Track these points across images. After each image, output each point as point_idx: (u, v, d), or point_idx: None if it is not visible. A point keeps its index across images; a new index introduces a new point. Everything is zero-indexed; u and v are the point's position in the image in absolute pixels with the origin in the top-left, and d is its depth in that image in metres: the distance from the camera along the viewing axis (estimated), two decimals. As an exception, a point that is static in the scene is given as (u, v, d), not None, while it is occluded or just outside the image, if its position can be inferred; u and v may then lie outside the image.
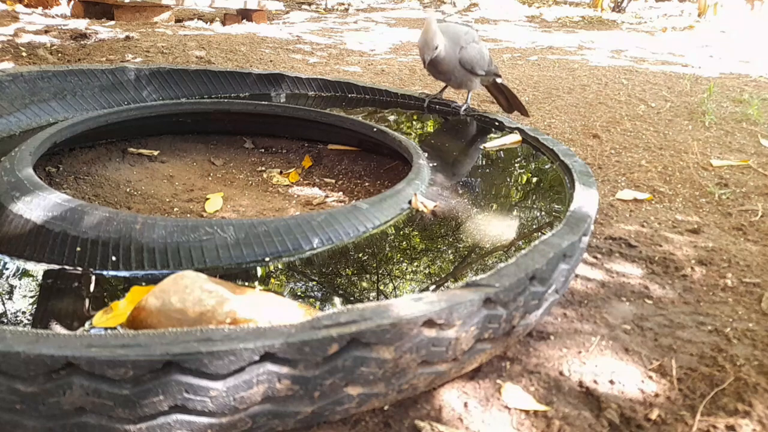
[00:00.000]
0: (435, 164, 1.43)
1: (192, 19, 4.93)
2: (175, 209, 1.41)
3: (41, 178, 1.18)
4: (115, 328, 0.77)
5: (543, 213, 1.21)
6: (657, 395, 0.85)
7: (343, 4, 7.27)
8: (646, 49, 4.20)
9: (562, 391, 0.85)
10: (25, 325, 0.79)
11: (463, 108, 1.84)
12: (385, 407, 0.79)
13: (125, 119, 1.63)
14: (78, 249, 0.93)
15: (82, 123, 1.50)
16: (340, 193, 1.57)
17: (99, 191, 1.47)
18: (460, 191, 1.31)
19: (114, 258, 0.92)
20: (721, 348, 0.96)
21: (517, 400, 0.82)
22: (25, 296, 0.85)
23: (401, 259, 1.02)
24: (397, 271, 0.98)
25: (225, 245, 0.95)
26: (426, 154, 1.45)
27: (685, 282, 1.18)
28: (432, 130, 1.75)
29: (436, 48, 1.64)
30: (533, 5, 8.11)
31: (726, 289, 1.15)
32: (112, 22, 3.81)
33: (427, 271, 0.99)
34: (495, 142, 1.62)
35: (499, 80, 1.91)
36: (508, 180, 1.40)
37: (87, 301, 0.84)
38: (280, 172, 1.68)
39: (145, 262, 0.92)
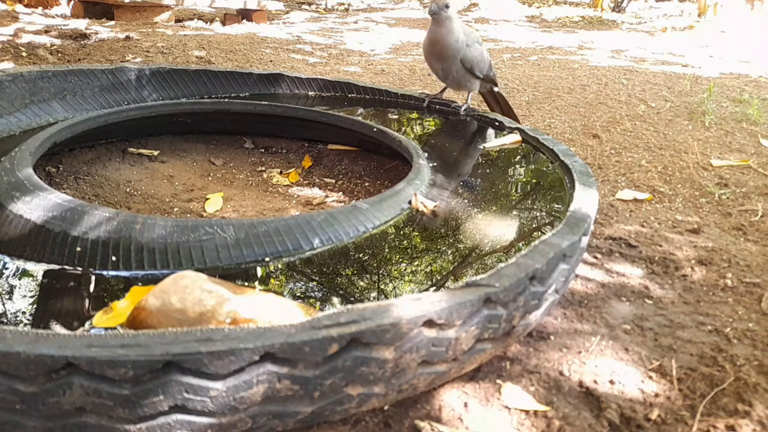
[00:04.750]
0: (435, 164, 1.43)
1: (192, 19, 4.93)
2: (175, 209, 1.41)
3: (41, 178, 1.18)
4: (115, 328, 0.77)
5: (543, 213, 1.21)
6: (657, 395, 0.85)
7: (343, 4, 7.27)
8: (646, 49, 4.20)
9: (562, 391, 0.85)
10: (25, 325, 0.79)
11: (463, 108, 1.84)
12: (385, 407, 0.79)
13: (125, 119, 1.63)
14: (78, 249, 0.93)
15: (82, 123, 1.50)
16: (340, 193, 1.57)
17: (99, 191, 1.47)
18: (460, 191, 1.30)
19: (114, 258, 0.92)
20: (721, 348, 0.96)
21: (517, 400, 0.82)
22: (25, 296, 0.85)
23: (401, 259, 1.02)
24: (397, 271, 0.98)
25: (225, 245, 0.95)
26: (426, 154, 1.45)
27: (685, 282, 1.18)
28: (432, 130, 1.75)
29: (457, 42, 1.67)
30: (533, 5, 8.11)
31: (726, 289, 1.15)
32: (112, 22, 3.81)
33: (427, 271, 0.99)
34: (495, 142, 1.62)
35: (496, 89, 1.94)
36: (508, 180, 1.40)
37: (87, 301, 0.84)
38: (280, 172, 1.68)
39: (145, 262, 0.92)
